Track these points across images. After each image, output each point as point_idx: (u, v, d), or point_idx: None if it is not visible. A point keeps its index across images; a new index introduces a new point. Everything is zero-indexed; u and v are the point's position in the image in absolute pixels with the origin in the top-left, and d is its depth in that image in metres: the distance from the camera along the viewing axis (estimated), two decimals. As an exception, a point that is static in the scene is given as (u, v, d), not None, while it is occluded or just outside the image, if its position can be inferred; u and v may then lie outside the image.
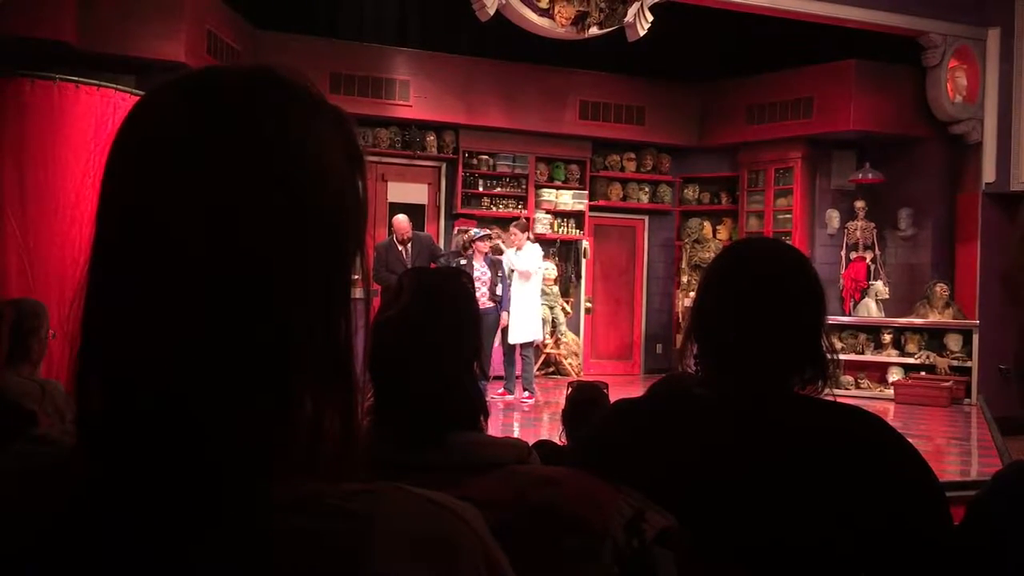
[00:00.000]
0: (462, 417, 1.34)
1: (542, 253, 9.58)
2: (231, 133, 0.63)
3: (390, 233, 9.47)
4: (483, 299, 8.73)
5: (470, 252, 8.92)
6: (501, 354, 9.07)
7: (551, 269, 10.64)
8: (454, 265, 8.89)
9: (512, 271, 9.10)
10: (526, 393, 8.80)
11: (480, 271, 8.76)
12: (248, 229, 0.62)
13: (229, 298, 0.61)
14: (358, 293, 0.70)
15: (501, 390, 8.90)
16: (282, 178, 0.63)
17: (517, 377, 9.09)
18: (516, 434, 7.52)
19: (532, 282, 9.24)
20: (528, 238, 9.43)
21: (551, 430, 7.10)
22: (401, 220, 9.14)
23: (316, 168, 0.65)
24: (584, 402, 3.29)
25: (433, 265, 8.97)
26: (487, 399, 1.45)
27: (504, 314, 8.84)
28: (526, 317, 9.05)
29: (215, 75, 0.66)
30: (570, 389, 3.49)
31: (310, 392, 0.64)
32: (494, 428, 7.27)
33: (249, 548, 0.59)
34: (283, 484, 0.61)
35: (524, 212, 11.15)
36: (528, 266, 9.10)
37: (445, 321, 1.38)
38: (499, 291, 8.76)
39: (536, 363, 10.05)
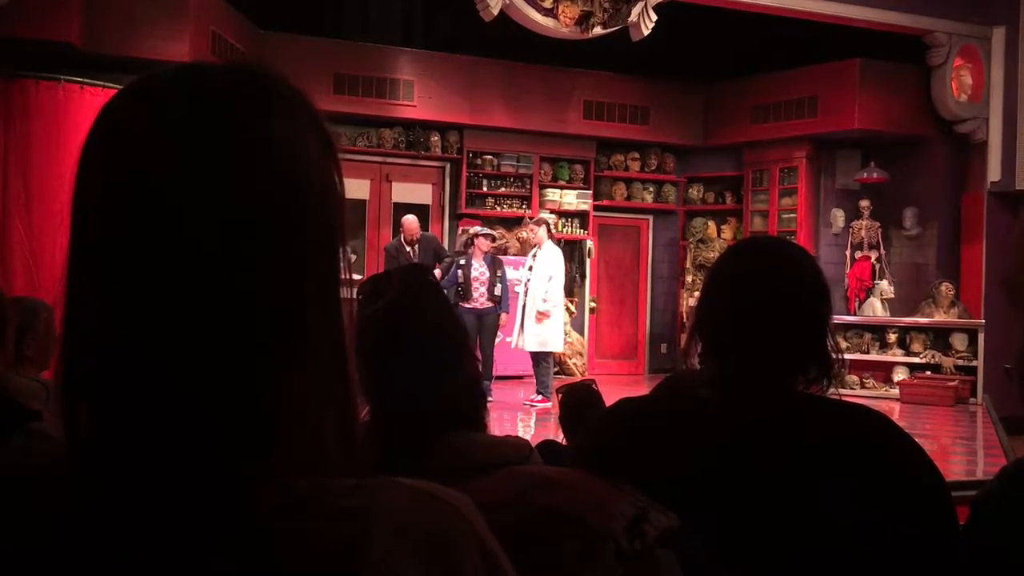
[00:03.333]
0: (462, 417, 1.33)
1: (562, 259, 9.04)
2: (214, 128, 0.63)
3: (395, 235, 9.47)
4: (482, 299, 8.69)
5: (471, 251, 8.90)
6: (516, 356, 8.95)
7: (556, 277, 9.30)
8: (455, 264, 8.89)
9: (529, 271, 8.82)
10: (539, 396, 8.73)
11: (479, 270, 8.73)
12: (232, 218, 0.61)
13: (219, 291, 0.61)
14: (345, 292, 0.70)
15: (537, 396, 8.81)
16: (260, 168, 0.63)
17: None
18: (522, 435, 7.51)
19: (557, 287, 8.89)
20: (549, 236, 8.93)
21: (557, 431, 7.09)
22: (410, 221, 9.14)
23: (294, 159, 0.65)
24: (578, 404, 3.29)
25: (438, 265, 8.98)
26: (490, 399, 1.45)
27: (503, 315, 8.78)
28: (552, 324, 8.82)
29: (195, 71, 0.67)
30: (560, 395, 3.48)
31: (307, 390, 0.64)
32: (500, 431, 7.26)
33: (247, 549, 0.59)
34: (280, 483, 0.61)
35: (528, 213, 11.13)
36: (549, 291, 8.63)
37: (433, 317, 1.37)
38: (497, 291, 8.72)
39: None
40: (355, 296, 1.40)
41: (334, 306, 0.67)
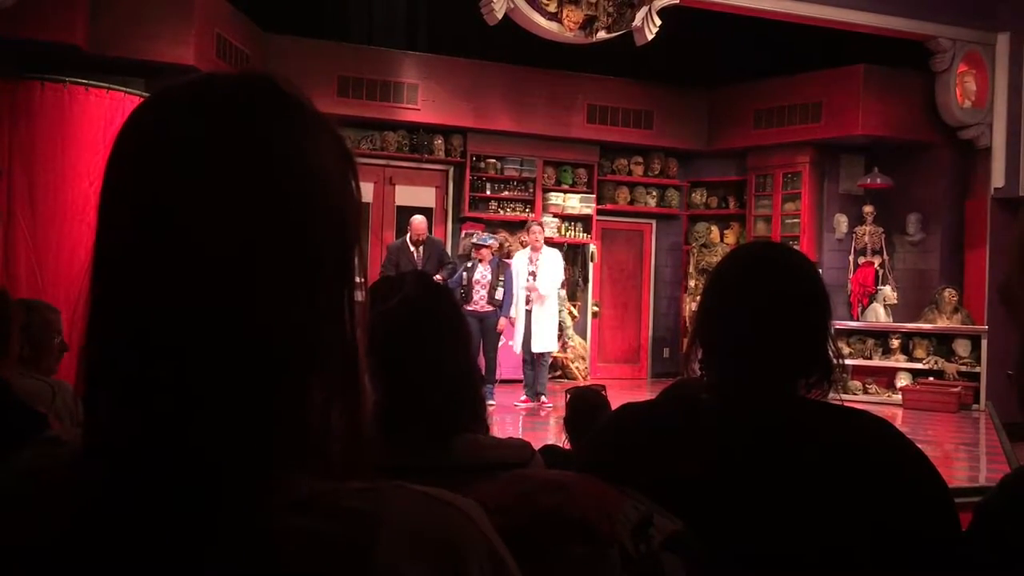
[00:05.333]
0: (464, 419, 1.34)
1: (562, 262, 9.27)
2: (233, 138, 0.64)
3: (398, 235, 9.46)
4: (482, 302, 8.71)
5: (475, 257, 8.93)
6: (520, 360, 9.02)
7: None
8: (461, 268, 8.91)
9: (531, 278, 8.89)
10: (542, 398, 8.79)
11: (482, 273, 8.75)
12: (254, 229, 0.63)
13: (239, 298, 0.62)
14: (358, 296, 0.71)
15: (523, 397, 8.87)
16: (283, 179, 0.64)
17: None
18: (523, 438, 7.50)
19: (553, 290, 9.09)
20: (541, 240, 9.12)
21: (558, 434, 7.09)
22: (419, 221, 9.13)
23: (314, 169, 0.66)
24: (585, 408, 3.29)
25: (441, 270, 8.98)
26: (492, 402, 1.46)
27: (503, 319, 8.81)
28: (551, 323, 8.94)
29: (214, 81, 0.68)
30: (568, 396, 3.48)
31: (319, 392, 0.65)
32: (501, 433, 7.25)
33: (252, 548, 0.59)
34: (289, 484, 0.62)
35: (532, 216, 11.13)
36: (548, 287, 8.87)
37: (443, 319, 1.38)
38: (498, 295, 8.74)
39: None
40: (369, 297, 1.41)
41: (348, 310, 0.68)
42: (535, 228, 9.12)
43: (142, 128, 0.67)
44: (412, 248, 8.97)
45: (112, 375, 0.63)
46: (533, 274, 8.88)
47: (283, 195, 0.64)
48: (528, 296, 8.84)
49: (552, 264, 8.97)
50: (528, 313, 8.82)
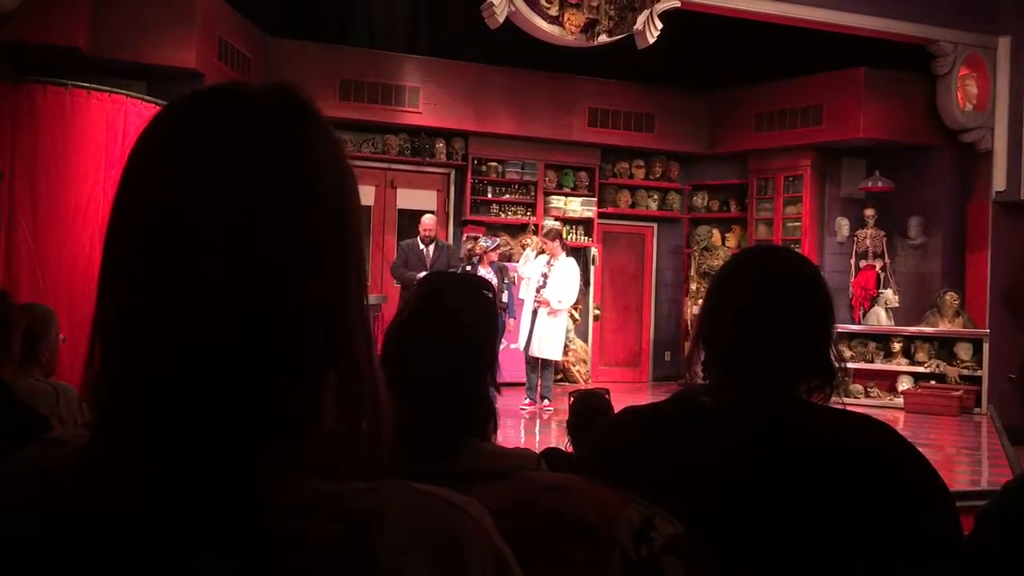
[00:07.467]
0: (472, 425, 1.33)
1: (579, 271, 9.07)
2: (251, 142, 0.65)
3: (399, 238, 9.47)
4: None
5: (475, 259, 8.93)
6: (524, 363, 9.00)
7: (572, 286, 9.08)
8: (459, 272, 8.90)
9: (543, 280, 8.75)
10: (545, 402, 8.79)
11: (486, 276, 8.73)
12: (270, 232, 0.63)
13: (253, 300, 0.63)
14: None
15: (527, 400, 8.85)
16: (300, 186, 0.65)
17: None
18: (524, 441, 7.52)
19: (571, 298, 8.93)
20: (563, 248, 8.92)
21: (559, 437, 7.09)
22: (429, 219, 9.15)
23: (330, 177, 0.67)
24: (588, 411, 3.30)
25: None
26: (497, 406, 1.44)
27: (510, 320, 8.80)
28: (557, 332, 8.83)
29: (233, 89, 0.69)
30: (572, 399, 3.49)
31: (335, 394, 0.66)
32: (503, 435, 7.26)
33: (254, 549, 0.60)
34: (292, 485, 0.62)
35: (533, 219, 11.13)
36: (564, 297, 8.68)
37: (459, 328, 1.37)
38: (505, 298, 8.74)
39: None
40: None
41: (362, 313, 0.69)
42: (545, 241, 8.89)
43: (159, 135, 0.67)
44: (422, 246, 8.96)
45: (117, 378, 0.64)
46: (545, 276, 8.81)
47: (301, 201, 0.65)
48: (536, 299, 8.79)
49: (563, 276, 8.75)
50: (534, 314, 8.77)
